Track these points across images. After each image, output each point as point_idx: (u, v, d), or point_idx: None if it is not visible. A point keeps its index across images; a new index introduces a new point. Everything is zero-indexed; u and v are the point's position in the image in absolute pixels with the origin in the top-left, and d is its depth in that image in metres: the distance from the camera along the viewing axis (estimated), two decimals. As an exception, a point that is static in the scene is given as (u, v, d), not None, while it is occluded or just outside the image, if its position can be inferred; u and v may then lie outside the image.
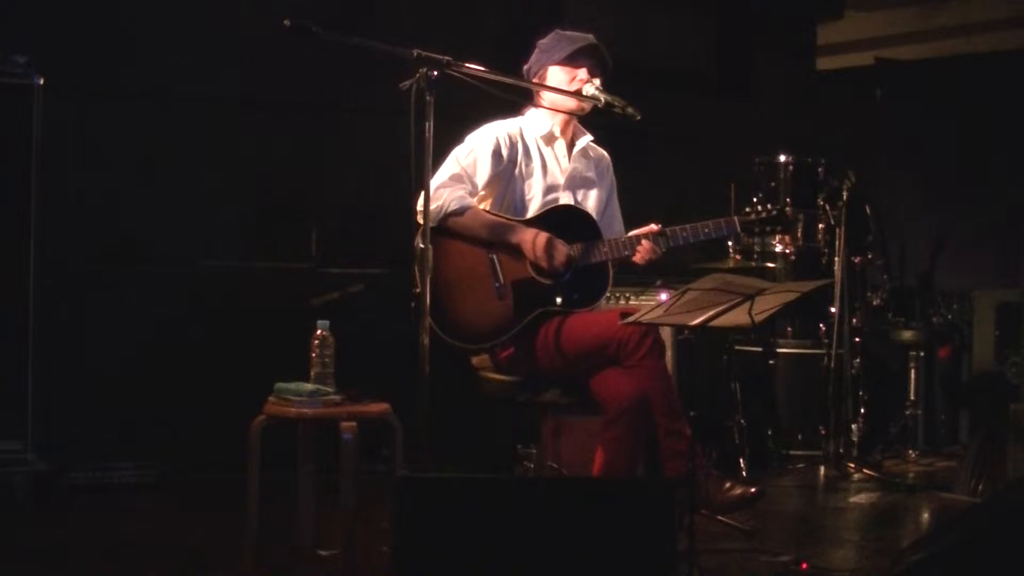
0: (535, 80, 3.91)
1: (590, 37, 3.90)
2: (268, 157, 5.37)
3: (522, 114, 3.99)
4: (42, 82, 4.52)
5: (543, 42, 3.94)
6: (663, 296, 4.81)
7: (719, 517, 4.13)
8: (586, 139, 3.99)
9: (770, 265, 5.79)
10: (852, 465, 5.41)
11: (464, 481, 2.72)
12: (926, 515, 4.79)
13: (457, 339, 3.69)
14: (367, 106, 5.30)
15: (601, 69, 3.88)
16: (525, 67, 3.96)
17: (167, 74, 5.17)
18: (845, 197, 5.45)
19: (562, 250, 3.70)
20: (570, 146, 3.98)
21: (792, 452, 5.72)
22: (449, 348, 3.67)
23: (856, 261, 5.66)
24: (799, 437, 5.77)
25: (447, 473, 2.72)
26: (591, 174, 4.00)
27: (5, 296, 4.49)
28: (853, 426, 5.58)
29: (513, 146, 3.88)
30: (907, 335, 6.00)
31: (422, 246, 3.23)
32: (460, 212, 3.73)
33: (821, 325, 5.75)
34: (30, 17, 4.88)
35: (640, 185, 4.44)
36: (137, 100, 5.15)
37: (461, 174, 3.80)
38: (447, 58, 3.21)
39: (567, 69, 3.87)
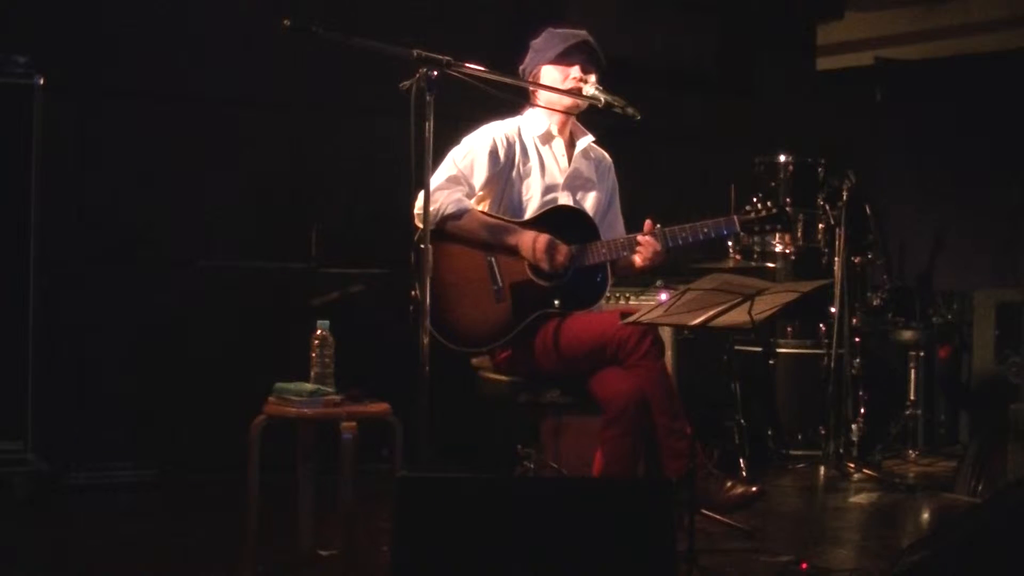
0: (530, 80, 3.91)
1: (582, 33, 3.88)
2: (268, 157, 5.37)
3: (520, 114, 3.98)
4: (42, 82, 4.52)
5: (536, 42, 3.93)
6: (663, 296, 4.81)
7: (719, 517, 4.13)
8: (587, 139, 3.98)
9: (770, 265, 5.79)
10: (852, 465, 5.41)
11: (464, 481, 2.72)
12: (926, 515, 4.79)
13: (456, 343, 3.68)
14: (367, 106, 5.29)
15: (595, 65, 3.87)
16: (520, 68, 3.95)
17: (167, 74, 5.17)
18: (845, 197, 5.46)
19: (562, 250, 3.70)
20: (569, 145, 3.97)
21: (792, 452, 5.73)
22: (448, 351, 3.67)
23: (856, 261, 5.67)
24: (799, 437, 5.77)
25: (447, 473, 2.72)
26: (591, 175, 3.99)
27: (5, 296, 4.49)
28: (853, 426, 5.59)
29: (510, 146, 3.87)
30: (907, 335, 6.00)
31: (421, 247, 3.23)
32: (458, 215, 3.73)
33: (821, 325, 5.75)
34: (30, 17, 4.88)
35: (640, 185, 4.44)
36: (137, 100, 5.14)
37: (458, 176, 3.79)
38: (447, 58, 3.21)
39: (560, 68, 3.85)
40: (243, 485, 3.46)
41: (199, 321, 5.15)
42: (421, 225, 3.30)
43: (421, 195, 3.28)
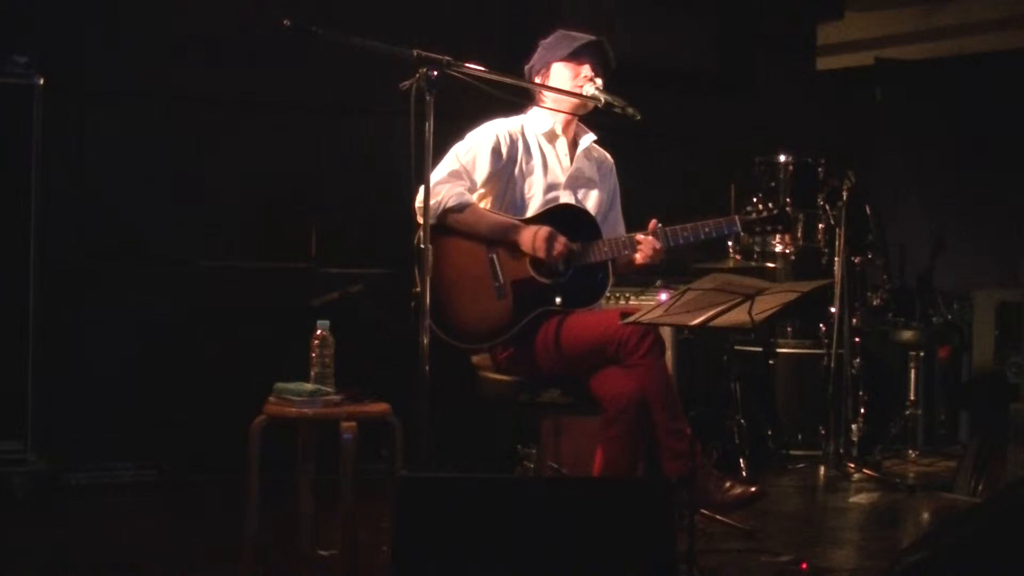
0: (538, 77, 3.90)
1: (593, 37, 3.90)
2: (268, 157, 5.37)
3: (525, 112, 3.98)
4: (42, 82, 4.52)
5: (546, 40, 3.93)
6: (663, 296, 4.81)
7: (719, 517, 4.13)
8: (589, 138, 3.98)
9: (770, 265, 5.79)
10: (852, 465, 5.41)
11: (464, 481, 2.72)
12: (926, 515, 4.79)
13: (457, 339, 3.68)
14: (367, 106, 5.30)
15: (604, 68, 3.88)
16: (527, 65, 3.95)
17: (167, 74, 5.17)
18: (845, 197, 5.45)
19: (561, 240, 3.70)
20: (572, 144, 3.97)
21: (792, 452, 5.73)
22: (449, 348, 3.67)
23: (856, 261, 5.66)
24: (799, 437, 5.77)
25: (447, 473, 2.73)
26: (593, 175, 3.99)
27: (5, 296, 4.49)
28: (853, 426, 5.58)
29: (513, 144, 3.87)
30: (907, 335, 6.00)
31: (422, 246, 3.23)
32: (459, 209, 3.72)
33: (821, 325, 5.75)
34: (30, 17, 4.88)
35: (640, 185, 4.44)
36: (137, 100, 5.15)
37: (460, 171, 3.79)
38: (447, 58, 3.21)
39: (571, 65, 3.85)
40: (243, 485, 3.46)
41: (199, 321, 5.15)
42: (421, 221, 3.30)
43: (422, 189, 3.28)
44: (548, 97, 3.92)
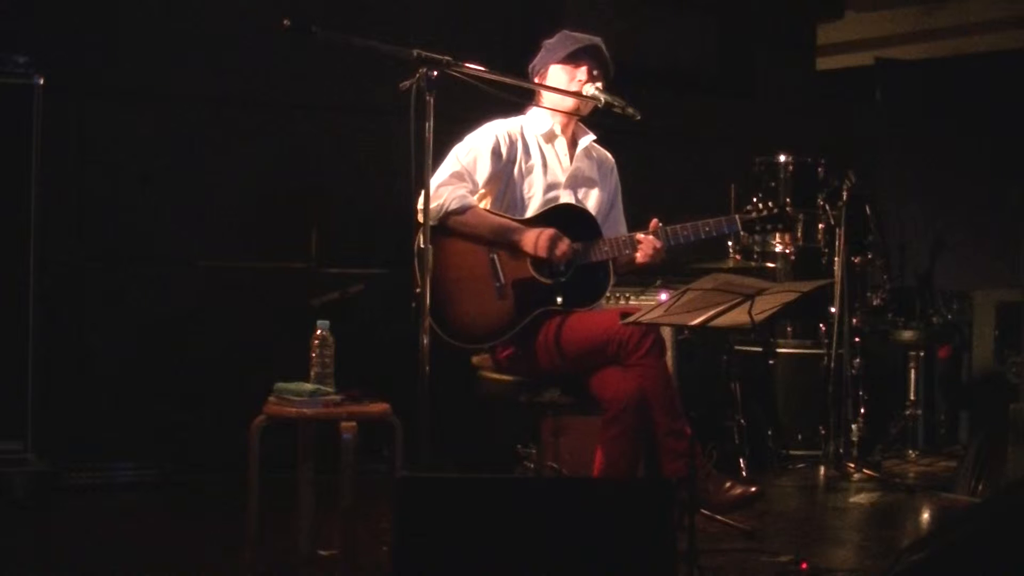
0: (537, 78, 3.92)
1: (595, 39, 3.90)
2: (268, 157, 5.37)
3: (524, 112, 3.99)
4: (42, 82, 4.52)
5: (549, 42, 3.95)
6: (663, 296, 4.81)
7: (719, 517, 4.13)
8: (588, 138, 3.99)
9: (770, 265, 5.79)
10: (852, 465, 5.41)
11: (464, 481, 2.72)
12: (926, 515, 4.79)
13: (457, 339, 3.68)
14: (367, 106, 5.29)
15: (602, 70, 3.89)
16: (530, 66, 3.97)
17: (167, 74, 5.17)
18: (845, 197, 5.46)
19: (566, 242, 3.70)
20: (571, 144, 3.98)
21: (792, 452, 5.73)
22: (449, 348, 3.67)
23: (856, 261, 5.66)
24: (799, 437, 5.77)
25: (447, 473, 2.72)
26: (593, 174, 4.00)
27: (5, 296, 4.49)
28: (853, 426, 5.58)
29: (513, 144, 3.88)
30: (907, 335, 6.00)
31: (423, 246, 3.23)
32: (461, 211, 3.73)
33: (821, 325, 5.75)
34: (30, 17, 4.88)
35: (640, 185, 4.45)
36: (137, 100, 5.14)
37: (462, 172, 3.80)
38: (447, 58, 3.21)
39: (567, 68, 3.87)
40: (243, 485, 3.46)
41: (199, 321, 5.15)
42: (422, 221, 3.30)
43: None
44: (548, 98, 3.93)
